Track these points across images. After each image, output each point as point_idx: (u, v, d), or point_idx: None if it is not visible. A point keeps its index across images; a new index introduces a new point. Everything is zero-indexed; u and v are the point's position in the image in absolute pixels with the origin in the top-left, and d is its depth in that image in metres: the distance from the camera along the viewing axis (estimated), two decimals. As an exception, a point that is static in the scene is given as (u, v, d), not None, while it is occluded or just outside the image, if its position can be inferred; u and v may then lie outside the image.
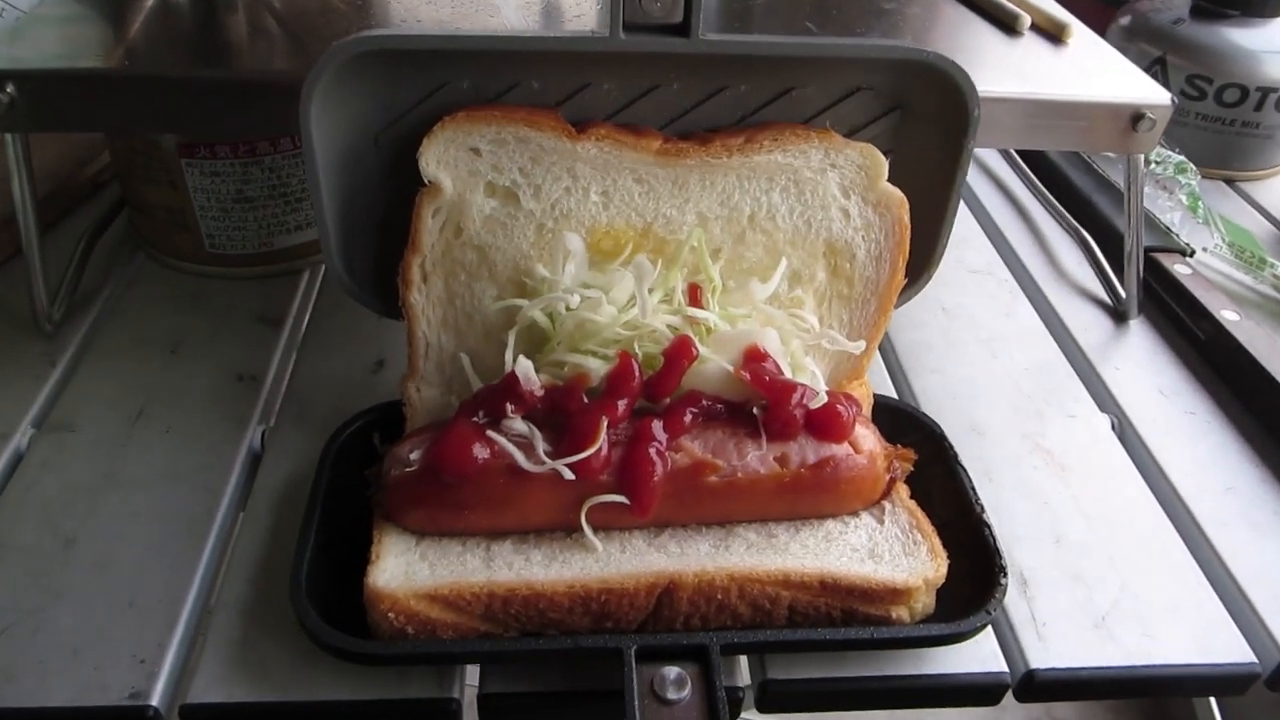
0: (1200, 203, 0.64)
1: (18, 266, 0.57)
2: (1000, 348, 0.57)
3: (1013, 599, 0.42)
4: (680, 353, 0.40)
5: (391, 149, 0.42)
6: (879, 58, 0.41)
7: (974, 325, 0.58)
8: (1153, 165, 0.67)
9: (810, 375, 0.43)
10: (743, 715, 0.43)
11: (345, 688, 0.37)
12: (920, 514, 0.41)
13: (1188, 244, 0.62)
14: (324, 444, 0.44)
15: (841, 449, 0.40)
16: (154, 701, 0.37)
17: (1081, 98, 0.47)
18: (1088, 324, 0.59)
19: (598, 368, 0.40)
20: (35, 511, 0.44)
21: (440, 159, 0.40)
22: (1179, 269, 0.59)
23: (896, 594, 0.38)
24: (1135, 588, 0.43)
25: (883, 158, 0.42)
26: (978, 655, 0.40)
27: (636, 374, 0.39)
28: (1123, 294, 0.59)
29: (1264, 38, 0.70)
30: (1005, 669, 0.39)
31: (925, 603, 0.39)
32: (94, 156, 0.64)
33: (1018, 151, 0.75)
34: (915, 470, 0.42)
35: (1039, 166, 0.73)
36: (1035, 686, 0.39)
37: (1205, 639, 0.41)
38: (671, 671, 0.35)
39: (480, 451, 0.38)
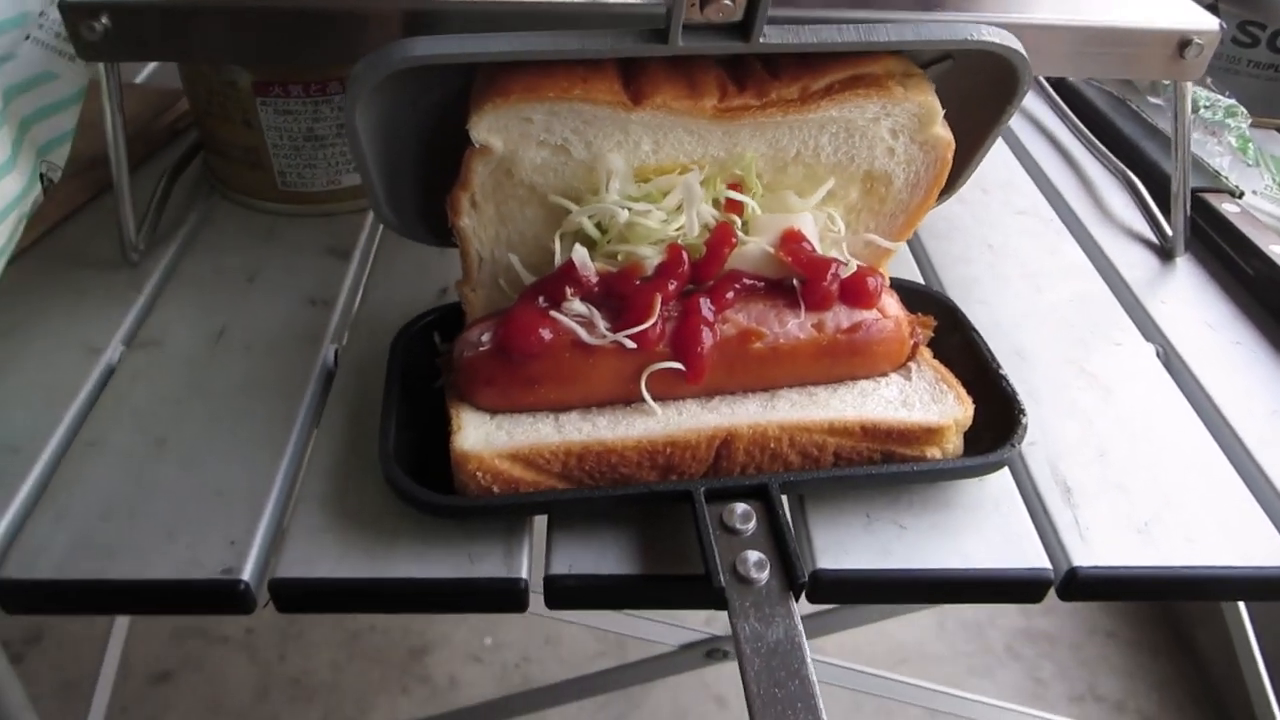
0: (1250, 144, 0.64)
1: (98, 208, 0.61)
2: (1045, 282, 0.58)
3: (1056, 506, 0.43)
4: (723, 238, 0.43)
5: (431, 110, 0.43)
6: (945, 42, 0.41)
7: (1020, 262, 0.60)
8: (1201, 110, 0.67)
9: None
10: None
11: (418, 568, 0.40)
12: (944, 369, 0.45)
13: (1236, 186, 0.63)
14: (392, 339, 0.47)
15: (871, 314, 0.44)
16: (245, 576, 0.39)
17: (1129, 24, 0.48)
18: (1133, 261, 0.60)
19: (650, 254, 0.43)
20: (128, 417, 0.47)
21: (491, 128, 0.41)
22: (1227, 208, 0.60)
23: (930, 433, 0.41)
24: (1178, 499, 0.44)
25: (939, 106, 0.43)
26: (1022, 554, 0.41)
27: (685, 260, 0.42)
28: (1169, 231, 0.60)
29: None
30: (1049, 566, 0.41)
31: (955, 444, 0.42)
32: (171, 104, 0.68)
33: (1062, 97, 0.76)
34: (935, 341, 0.46)
35: (1085, 114, 0.73)
36: (1078, 584, 0.41)
37: (1247, 545, 0.42)
38: (738, 507, 0.39)
39: (545, 330, 0.41)
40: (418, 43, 0.38)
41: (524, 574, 0.40)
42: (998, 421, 0.43)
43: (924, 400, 0.43)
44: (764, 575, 0.37)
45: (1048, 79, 0.77)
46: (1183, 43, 0.48)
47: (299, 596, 0.40)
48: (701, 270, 0.43)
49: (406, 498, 0.40)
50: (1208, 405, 0.49)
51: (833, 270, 0.43)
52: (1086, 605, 1.53)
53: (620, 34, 0.39)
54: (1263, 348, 0.53)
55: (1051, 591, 0.41)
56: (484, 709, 1.03)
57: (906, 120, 0.43)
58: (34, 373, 0.49)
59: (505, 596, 0.40)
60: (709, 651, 0.75)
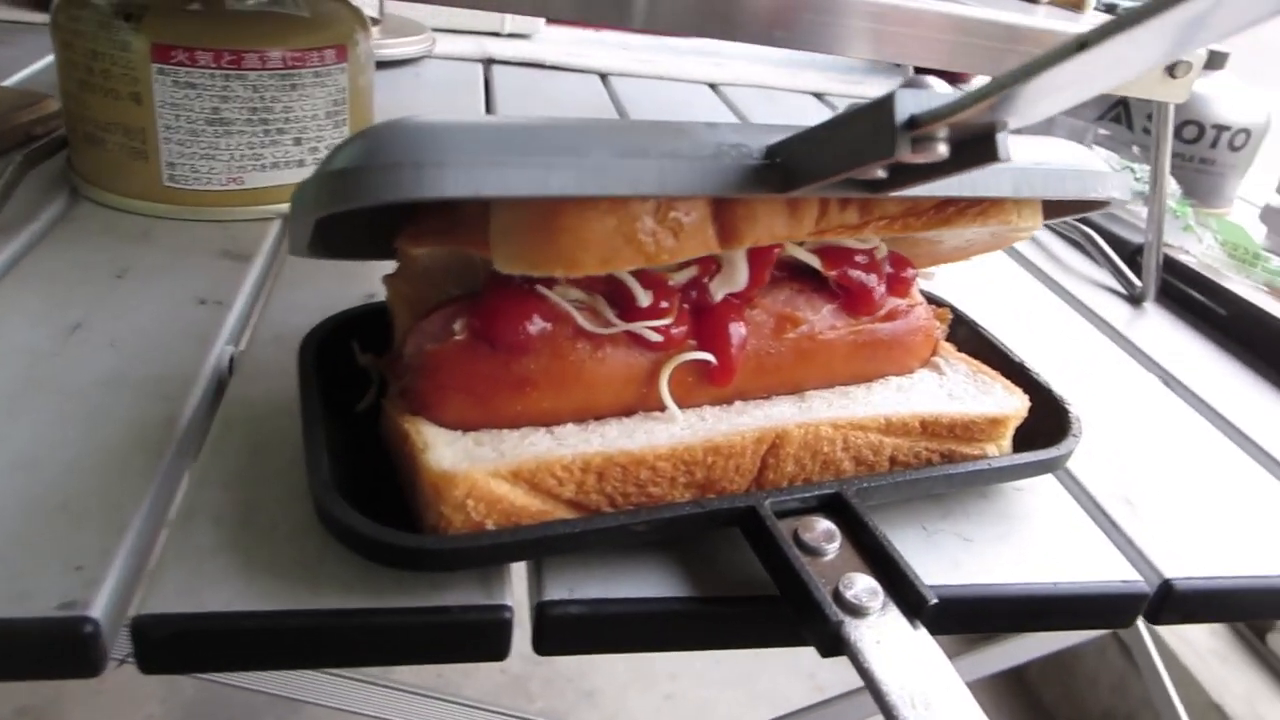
0: (1188, 209, 0.65)
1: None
2: (1030, 320, 0.55)
3: (1123, 517, 0.37)
4: (764, 257, 0.34)
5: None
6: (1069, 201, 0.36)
7: (1000, 301, 0.56)
8: (1134, 182, 0.69)
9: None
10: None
11: (359, 597, 0.29)
12: (976, 361, 0.39)
13: (1180, 247, 0.63)
14: (301, 342, 0.36)
15: (902, 301, 0.38)
16: (94, 613, 0.27)
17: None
18: (1107, 306, 0.58)
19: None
20: (-69, 414, 0.34)
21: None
22: (1184, 257, 0.59)
23: (995, 425, 0.35)
24: (1240, 512, 0.39)
25: (1040, 220, 0.37)
26: (1107, 567, 0.34)
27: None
28: (1135, 281, 0.58)
29: (1214, 83, 0.74)
30: (1141, 579, 0.34)
31: (1008, 442, 0.36)
32: (32, 104, 0.57)
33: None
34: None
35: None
36: (1174, 599, 0.34)
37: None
38: (819, 523, 0.29)
39: (540, 318, 0.32)
40: (445, 173, 0.24)
41: (508, 600, 0.30)
42: (1036, 418, 0.37)
43: (970, 393, 0.37)
44: (877, 603, 0.28)
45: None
46: (1172, 63, 0.47)
47: (178, 643, 0.28)
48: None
49: (368, 546, 0.28)
50: (1229, 428, 0.46)
51: (880, 291, 0.37)
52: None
53: (739, 168, 0.27)
54: (1256, 380, 0.51)
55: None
56: None
57: (1003, 227, 0.37)
58: None
59: (485, 633, 0.29)
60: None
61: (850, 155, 0.25)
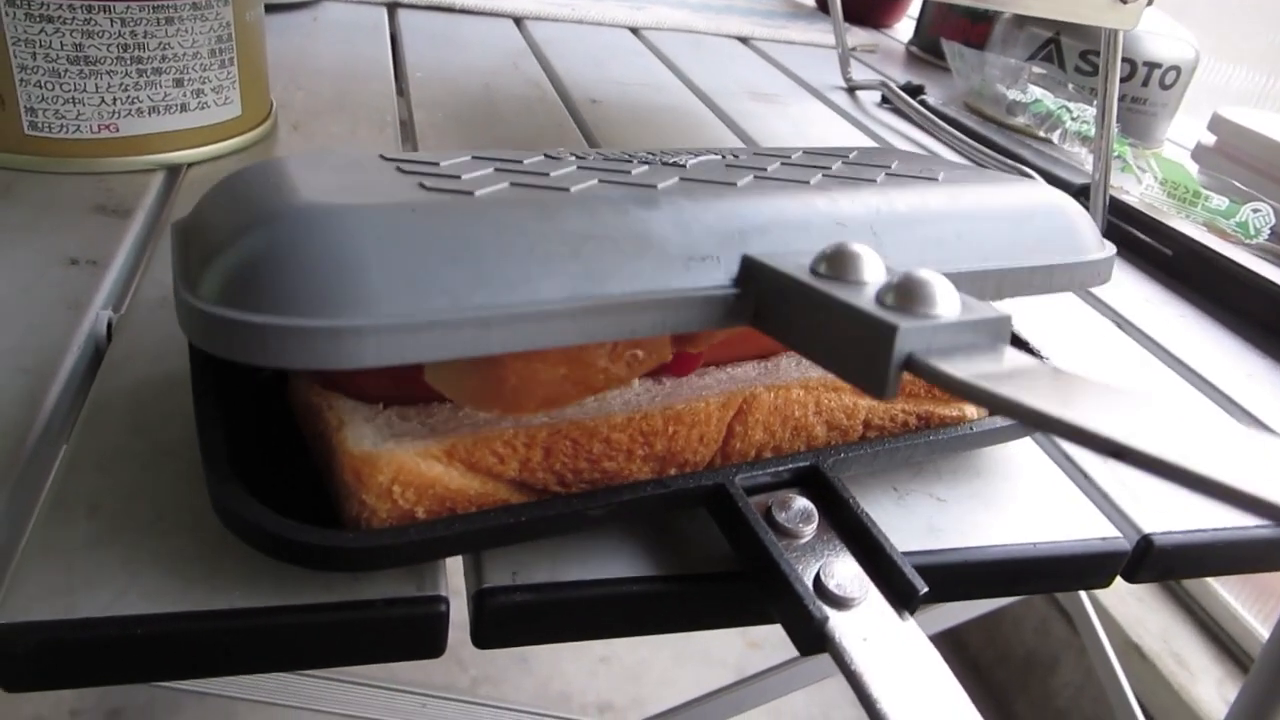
0: (1128, 148, 0.64)
1: None
2: (979, 265, 0.53)
3: (1096, 470, 0.36)
4: None
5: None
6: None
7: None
8: (1069, 123, 0.67)
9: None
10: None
11: (268, 590, 0.25)
12: None
13: (1120, 186, 0.62)
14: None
15: None
16: (-64, 629, 0.22)
17: (1072, -37, 0.45)
18: (1053, 250, 0.56)
19: None
20: None
21: None
22: (1125, 197, 0.58)
23: None
24: (1212, 459, 0.38)
25: None
26: (1085, 524, 0.32)
27: None
28: (1080, 222, 0.57)
29: (1145, 18, 0.73)
30: (1119, 534, 0.32)
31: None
32: None
33: (937, 116, 0.74)
34: None
35: (965, 131, 0.72)
36: (1154, 555, 0.32)
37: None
38: (795, 501, 0.26)
39: None
40: (365, 341, 0.21)
41: (443, 590, 0.26)
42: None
43: None
44: (861, 590, 0.25)
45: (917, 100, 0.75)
46: (1124, -15, 0.45)
47: (47, 655, 0.23)
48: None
49: (277, 546, 0.23)
50: (1185, 370, 0.45)
51: None
52: None
53: (708, 302, 0.24)
54: (1205, 320, 0.50)
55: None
56: None
57: None
58: None
59: (416, 629, 0.25)
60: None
61: (829, 358, 0.23)
